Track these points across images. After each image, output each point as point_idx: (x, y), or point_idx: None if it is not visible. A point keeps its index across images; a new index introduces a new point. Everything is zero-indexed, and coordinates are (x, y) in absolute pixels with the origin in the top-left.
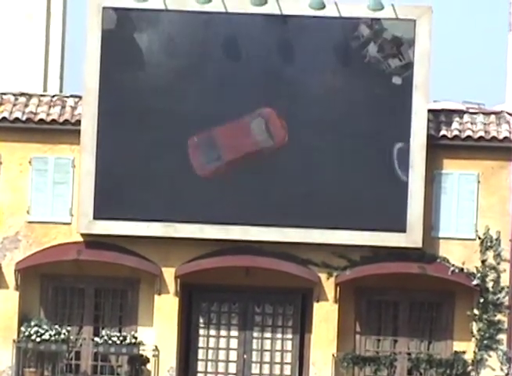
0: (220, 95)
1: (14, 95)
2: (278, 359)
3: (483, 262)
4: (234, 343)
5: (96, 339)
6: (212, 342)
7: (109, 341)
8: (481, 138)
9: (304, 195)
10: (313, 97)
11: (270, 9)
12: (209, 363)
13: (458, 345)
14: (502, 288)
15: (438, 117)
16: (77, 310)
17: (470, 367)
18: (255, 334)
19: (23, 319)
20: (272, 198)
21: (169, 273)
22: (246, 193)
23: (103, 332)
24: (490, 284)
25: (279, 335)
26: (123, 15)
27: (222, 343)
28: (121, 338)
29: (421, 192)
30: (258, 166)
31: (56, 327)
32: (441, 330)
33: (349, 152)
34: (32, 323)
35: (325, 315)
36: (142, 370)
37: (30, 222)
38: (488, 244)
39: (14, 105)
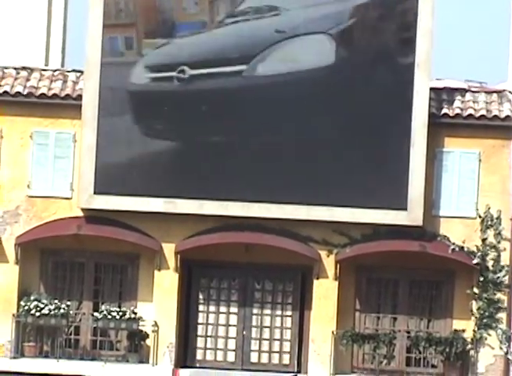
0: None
1: (16, 69)
2: (277, 335)
3: (483, 240)
4: (234, 319)
5: (96, 314)
6: (212, 318)
7: (109, 316)
8: (482, 116)
9: (305, 172)
10: (312, 73)
11: None
12: (208, 339)
13: (457, 324)
14: (503, 267)
15: (440, 95)
16: (77, 285)
17: (469, 346)
18: (255, 311)
19: (23, 293)
20: (272, 175)
21: (169, 249)
22: (247, 170)
23: (103, 307)
24: (490, 263)
25: (278, 312)
26: None
27: (222, 319)
28: (121, 313)
29: (422, 170)
30: (259, 143)
31: (56, 301)
32: (440, 308)
33: (350, 129)
34: (32, 298)
35: (325, 292)
36: (141, 345)
37: (30, 197)
38: (489, 222)
39: (15, 79)
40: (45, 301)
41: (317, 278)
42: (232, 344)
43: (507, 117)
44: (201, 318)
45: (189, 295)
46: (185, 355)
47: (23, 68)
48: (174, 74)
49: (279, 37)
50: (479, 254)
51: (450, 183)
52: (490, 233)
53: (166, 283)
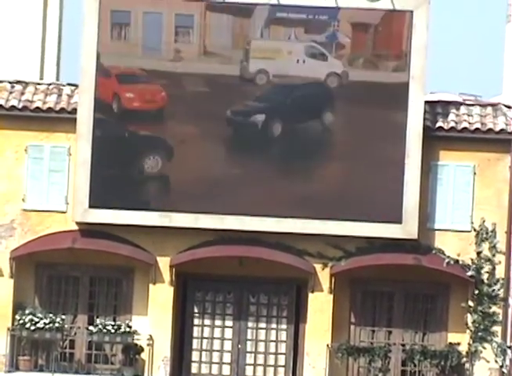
0: None
1: (10, 82)
2: (272, 349)
3: (478, 253)
4: (229, 333)
5: (91, 328)
6: (207, 332)
7: (104, 330)
8: (477, 130)
9: (300, 186)
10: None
11: None
12: (203, 353)
13: (452, 337)
14: (498, 280)
15: (435, 108)
16: (72, 299)
17: (464, 359)
18: (250, 324)
19: (18, 307)
20: (267, 189)
21: (164, 263)
22: (242, 184)
23: (98, 321)
24: (485, 276)
25: (273, 325)
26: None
27: (217, 333)
28: (116, 327)
29: (417, 183)
30: (254, 157)
31: (51, 315)
32: (435, 321)
33: (345, 143)
34: (27, 311)
35: (320, 305)
36: (136, 359)
37: (25, 210)
38: (484, 235)
39: (10, 93)
40: (39, 315)
41: (312, 291)
42: (227, 357)
43: (502, 130)
44: (196, 331)
45: (184, 309)
46: (180, 368)
47: (18, 82)
48: None
49: None
50: (474, 267)
51: (445, 196)
52: (485, 246)
53: (161, 297)
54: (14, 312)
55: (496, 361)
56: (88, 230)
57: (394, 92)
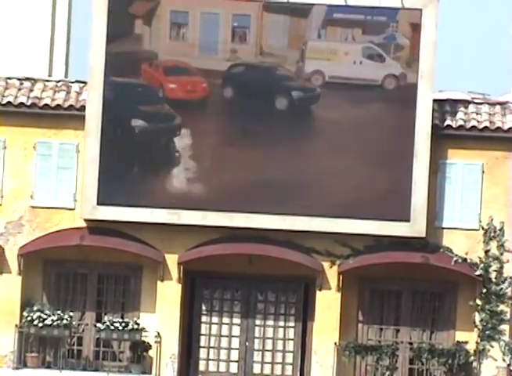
0: None
1: (19, 79)
2: (280, 347)
3: (486, 252)
4: (236, 330)
5: (99, 325)
6: (214, 329)
7: (112, 327)
8: (485, 128)
9: (307, 184)
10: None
11: None
12: (211, 350)
13: (460, 335)
14: (505, 279)
15: (443, 106)
16: (80, 296)
17: (472, 358)
18: (257, 322)
19: (26, 304)
20: (275, 186)
21: (172, 260)
22: (250, 181)
23: (106, 318)
24: (493, 275)
25: (281, 323)
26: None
27: (225, 330)
28: (124, 324)
29: (425, 182)
30: (263, 154)
31: (59, 312)
32: (443, 320)
33: (353, 142)
34: (35, 308)
35: (327, 303)
36: (144, 356)
37: (33, 207)
38: (492, 234)
39: (19, 90)
40: (47, 312)
41: (320, 289)
42: (234, 355)
43: (510, 128)
44: (204, 329)
45: (192, 306)
46: (187, 366)
47: (27, 79)
48: None
49: None
50: (482, 265)
51: (453, 195)
52: (493, 244)
53: (169, 294)
54: (22, 309)
55: (504, 360)
56: (97, 227)
57: None
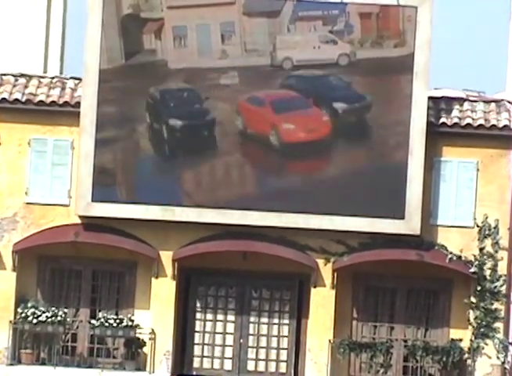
0: None
1: (14, 76)
2: (274, 344)
3: (481, 250)
4: (231, 327)
5: (93, 321)
6: (209, 326)
7: (106, 324)
8: (480, 126)
9: (302, 181)
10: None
11: None
12: (205, 347)
13: (454, 333)
14: (500, 276)
15: (438, 104)
16: (74, 292)
17: (466, 355)
18: (252, 319)
19: (20, 300)
20: (270, 183)
21: (167, 257)
22: (245, 178)
23: (100, 314)
24: (487, 272)
25: (275, 320)
26: None
27: (219, 327)
28: (118, 321)
29: (420, 179)
30: (258, 152)
31: (53, 308)
32: (437, 317)
33: (348, 138)
34: (29, 305)
35: (322, 301)
36: (138, 352)
37: (28, 204)
38: (487, 232)
39: (14, 86)
40: (42, 309)
41: (314, 286)
42: (229, 352)
43: (505, 126)
44: (198, 326)
45: (187, 303)
46: (182, 363)
47: (22, 75)
48: None
49: None
50: (476, 263)
51: (448, 192)
52: (488, 242)
53: (163, 291)
54: (16, 306)
55: (498, 357)
56: (91, 224)
57: (398, 65)
